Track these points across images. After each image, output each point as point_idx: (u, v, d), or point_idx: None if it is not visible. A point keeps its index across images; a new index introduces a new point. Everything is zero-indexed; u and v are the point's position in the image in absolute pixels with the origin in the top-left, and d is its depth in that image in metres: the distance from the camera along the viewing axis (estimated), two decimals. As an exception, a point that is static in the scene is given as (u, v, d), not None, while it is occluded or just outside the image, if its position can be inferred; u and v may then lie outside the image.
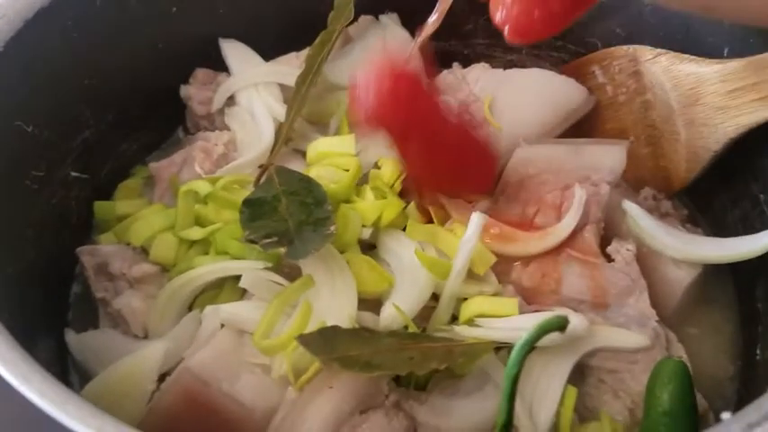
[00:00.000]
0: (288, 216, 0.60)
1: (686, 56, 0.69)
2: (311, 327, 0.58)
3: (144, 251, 0.69)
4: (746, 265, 0.70)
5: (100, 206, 0.75)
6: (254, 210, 0.62)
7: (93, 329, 0.67)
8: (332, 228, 0.59)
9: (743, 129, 0.65)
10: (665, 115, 0.72)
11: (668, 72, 0.70)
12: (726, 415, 0.37)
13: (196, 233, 0.65)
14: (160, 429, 0.53)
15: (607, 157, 0.71)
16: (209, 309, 0.60)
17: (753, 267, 0.69)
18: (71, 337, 0.66)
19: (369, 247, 0.69)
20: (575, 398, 0.61)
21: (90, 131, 0.76)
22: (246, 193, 0.67)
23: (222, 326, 0.60)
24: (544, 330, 0.49)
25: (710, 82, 0.66)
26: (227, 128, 0.79)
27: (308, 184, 0.64)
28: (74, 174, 0.75)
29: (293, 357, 0.56)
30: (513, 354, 0.48)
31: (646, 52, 0.73)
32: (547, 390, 0.60)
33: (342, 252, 0.65)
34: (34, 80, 0.67)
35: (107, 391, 0.57)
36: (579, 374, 0.64)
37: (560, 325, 0.49)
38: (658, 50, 0.72)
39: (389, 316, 0.60)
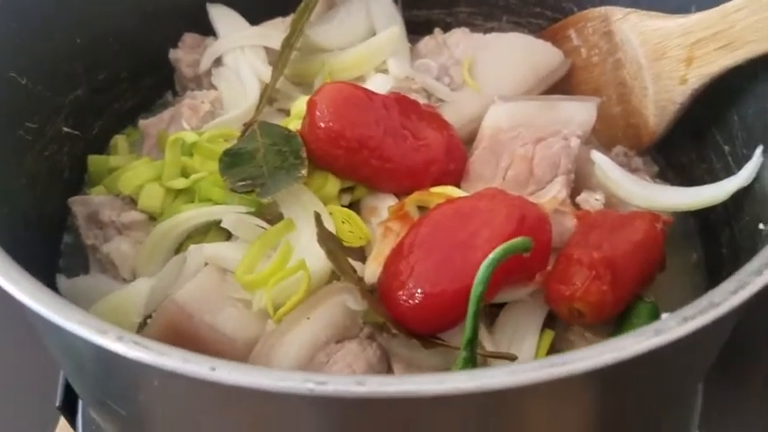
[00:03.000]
0: (264, 163, 0.63)
1: (654, 13, 0.72)
2: (291, 266, 0.61)
3: (132, 201, 0.72)
4: (712, 214, 0.73)
5: (94, 160, 0.78)
6: (233, 159, 0.65)
7: (84, 275, 0.70)
8: (303, 171, 0.62)
9: (705, 79, 0.68)
10: (634, 72, 0.75)
11: (637, 28, 0.73)
12: (665, 315, 0.40)
13: (181, 182, 0.67)
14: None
15: (578, 111, 0.74)
16: (192, 247, 0.63)
17: (718, 215, 0.73)
18: (62, 281, 0.69)
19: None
20: (550, 340, 0.64)
21: (82, 89, 0.80)
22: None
23: (206, 265, 0.63)
24: (508, 250, 0.51)
25: (675, 35, 0.69)
26: (214, 88, 0.82)
27: (288, 136, 0.68)
28: (66, 129, 0.78)
29: (273, 292, 0.59)
30: (480, 272, 0.51)
31: (616, 12, 0.76)
32: (523, 339, 0.63)
33: (324, 205, 0.67)
34: (28, 34, 0.71)
35: (96, 325, 0.60)
36: (550, 317, 0.67)
37: (525, 246, 0.52)
38: (628, 9, 0.75)
39: (371, 274, 0.63)
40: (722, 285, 0.39)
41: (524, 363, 0.37)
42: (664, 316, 0.39)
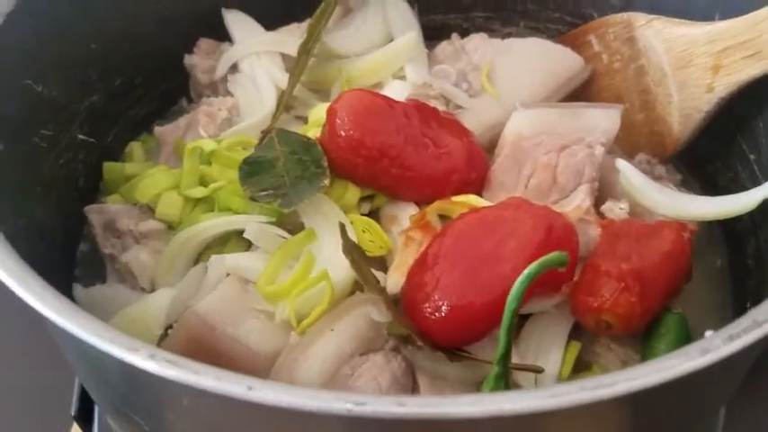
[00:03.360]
0: (285, 173, 0.62)
1: (678, 20, 0.71)
2: (314, 276, 0.60)
3: (150, 210, 0.71)
4: (738, 224, 0.72)
5: (109, 167, 0.77)
6: (252, 167, 0.64)
7: (100, 284, 0.69)
8: (326, 181, 0.61)
9: (732, 87, 0.67)
10: (658, 79, 0.74)
11: (660, 35, 0.72)
12: (709, 333, 0.39)
13: (200, 191, 0.67)
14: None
15: (602, 119, 0.73)
16: (214, 258, 0.62)
17: (744, 225, 0.72)
18: (79, 291, 0.67)
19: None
20: (576, 352, 0.63)
21: (97, 96, 0.79)
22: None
23: (227, 275, 0.62)
24: (544, 265, 0.50)
25: (701, 43, 0.68)
26: (230, 95, 0.81)
27: (307, 144, 0.67)
28: (81, 136, 0.77)
29: (296, 303, 0.58)
30: (515, 287, 0.50)
31: (639, 18, 0.75)
32: (549, 351, 0.62)
33: (344, 214, 0.67)
34: (43, 40, 0.70)
35: (115, 337, 0.59)
36: (576, 328, 0.66)
37: (561, 261, 0.51)
38: (651, 16, 0.74)
39: (393, 284, 0.62)
40: (764, 304, 0.38)
41: (565, 385, 0.36)
42: (707, 334, 0.39)
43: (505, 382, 0.52)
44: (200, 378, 0.36)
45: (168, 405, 0.42)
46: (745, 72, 0.65)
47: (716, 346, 0.36)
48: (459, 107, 0.81)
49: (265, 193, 0.60)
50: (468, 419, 0.36)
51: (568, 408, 0.34)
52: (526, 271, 0.49)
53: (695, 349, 0.36)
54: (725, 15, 0.70)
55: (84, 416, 0.74)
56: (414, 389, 0.59)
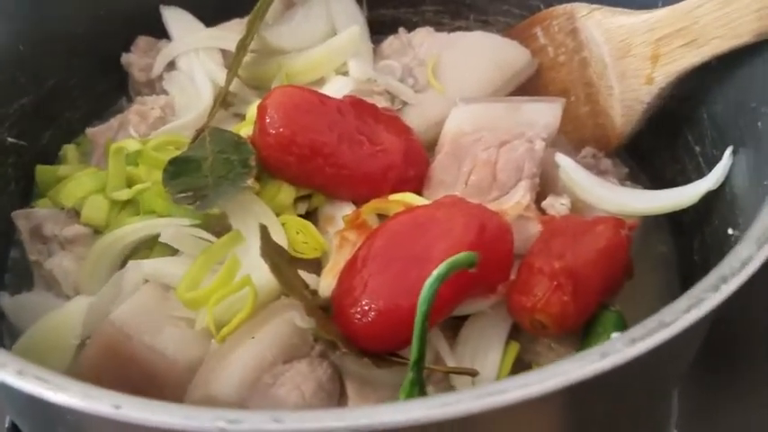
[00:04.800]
0: (209, 173, 0.60)
1: (618, 9, 0.70)
2: (236, 282, 0.58)
3: (77, 214, 0.68)
4: (684, 219, 0.71)
5: (41, 170, 0.75)
6: (178, 168, 0.62)
7: (26, 292, 0.67)
8: (249, 181, 0.59)
9: (672, 77, 0.65)
10: (599, 71, 0.72)
11: (601, 26, 0.70)
12: (615, 334, 0.38)
13: (125, 194, 0.64)
14: (85, 381, 0.53)
15: (542, 113, 0.70)
16: (131, 263, 0.60)
17: (690, 220, 0.70)
18: (5, 299, 0.66)
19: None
20: (516, 353, 0.62)
21: (28, 98, 0.76)
22: (180, 154, 0.67)
23: (146, 281, 0.60)
24: (453, 267, 0.48)
25: (640, 32, 0.66)
26: (166, 93, 0.79)
27: (237, 143, 0.64)
28: (10, 140, 0.74)
29: (216, 311, 0.56)
30: (425, 290, 0.48)
31: (581, 9, 0.73)
32: (487, 352, 0.60)
33: (278, 215, 0.65)
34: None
35: (33, 347, 0.57)
36: (515, 329, 0.64)
37: (470, 261, 0.49)
38: (593, 6, 0.72)
39: (326, 287, 0.60)
40: (674, 304, 0.36)
41: (460, 392, 0.34)
42: (614, 335, 0.37)
43: (421, 387, 0.50)
44: (66, 396, 0.33)
45: (57, 422, 0.40)
46: (683, 61, 0.63)
47: (617, 350, 0.34)
48: (405, 103, 0.80)
49: (185, 194, 0.58)
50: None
51: (460, 417, 0.33)
52: (434, 272, 0.47)
53: (596, 353, 0.35)
54: (668, 2, 0.69)
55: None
56: (342, 394, 0.57)
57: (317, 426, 0.32)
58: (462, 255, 0.48)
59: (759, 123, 0.57)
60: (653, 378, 0.46)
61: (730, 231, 0.57)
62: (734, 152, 0.63)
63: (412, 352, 0.48)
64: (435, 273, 0.47)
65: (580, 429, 0.44)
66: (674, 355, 0.45)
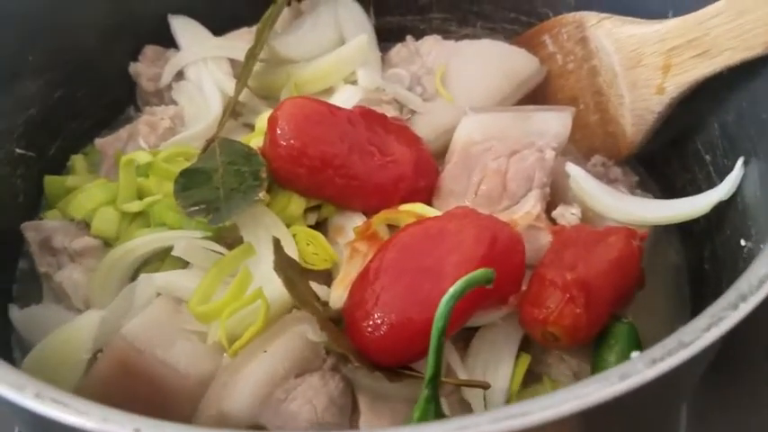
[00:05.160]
0: (220, 185, 0.60)
1: (629, 18, 0.69)
2: (248, 295, 0.58)
3: (87, 226, 0.68)
4: (695, 228, 0.70)
5: (50, 181, 0.74)
6: (188, 180, 0.62)
7: (36, 305, 0.67)
8: (260, 194, 0.59)
9: (683, 87, 0.65)
10: (609, 80, 0.72)
11: (611, 35, 0.70)
12: (635, 354, 0.37)
13: (135, 206, 0.64)
14: (96, 396, 0.53)
15: (552, 123, 0.70)
16: (142, 276, 0.60)
17: (701, 230, 0.70)
18: (14, 312, 0.65)
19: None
20: (527, 364, 0.61)
21: (36, 108, 0.76)
22: (190, 165, 0.67)
23: (158, 295, 0.59)
24: (470, 283, 0.48)
25: (651, 42, 0.66)
26: (174, 103, 0.78)
27: (248, 154, 0.64)
28: (19, 151, 0.74)
29: (228, 324, 0.56)
30: (441, 306, 0.48)
31: (591, 17, 0.73)
32: (498, 365, 0.60)
33: (288, 226, 0.65)
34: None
35: (44, 361, 0.57)
36: (526, 340, 0.64)
37: (487, 278, 0.49)
38: (603, 15, 0.72)
39: (337, 299, 0.60)
40: (693, 322, 0.36)
41: (478, 415, 0.33)
42: (634, 355, 0.37)
43: (436, 404, 0.50)
44: (87, 420, 0.33)
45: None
46: (694, 72, 0.63)
47: (637, 371, 0.34)
48: (414, 111, 0.79)
49: (197, 207, 0.58)
50: None
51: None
52: (451, 290, 0.47)
53: (615, 374, 0.34)
54: (678, 13, 0.68)
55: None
56: (354, 409, 0.57)
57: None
58: (479, 272, 0.48)
59: (771, 134, 0.57)
60: (668, 395, 0.45)
61: (743, 242, 0.57)
62: (745, 163, 0.63)
63: (428, 368, 0.48)
64: (452, 290, 0.47)
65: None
66: (691, 372, 0.45)
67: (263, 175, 0.62)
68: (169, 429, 0.32)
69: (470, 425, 0.32)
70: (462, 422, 0.33)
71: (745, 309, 0.36)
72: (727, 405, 0.75)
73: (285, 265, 0.55)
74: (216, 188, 0.61)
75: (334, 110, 0.67)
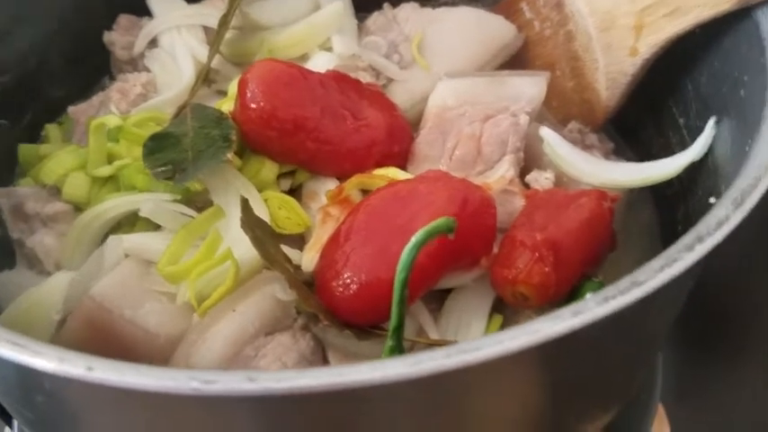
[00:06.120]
0: (189, 148, 0.59)
1: (602, -20, 0.69)
2: (217, 256, 0.58)
3: (58, 191, 0.68)
4: (668, 191, 0.70)
5: (24, 149, 0.74)
6: (157, 143, 0.61)
7: (9, 270, 0.67)
8: (228, 155, 0.58)
9: (655, 48, 0.65)
10: (584, 44, 0.72)
11: (585, -2, 0.70)
12: (589, 295, 0.38)
13: (106, 170, 0.64)
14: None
15: (526, 87, 0.70)
16: (111, 239, 0.59)
17: (674, 192, 0.70)
18: (-13, 277, 0.65)
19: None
20: (499, 325, 0.62)
21: (10, 76, 0.75)
22: (162, 130, 0.66)
23: (127, 256, 0.59)
24: (432, 232, 0.48)
25: (624, 2, 0.65)
26: (148, 70, 0.78)
27: (219, 118, 0.64)
28: (-8, 119, 0.74)
29: (197, 284, 0.56)
30: (403, 256, 0.48)
31: (566, -19, 0.73)
32: (470, 325, 0.60)
33: (260, 191, 0.64)
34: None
35: (15, 322, 0.57)
36: (499, 302, 0.64)
37: (449, 227, 0.49)
38: (577, -22, 0.72)
39: (308, 262, 0.60)
40: (648, 264, 0.36)
41: (433, 350, 0.34)
42: (588, 296, 0.37)
43: (400, 354, 0.50)
44: (44, 360, 0.33)
45: (35, 389, 0.40)
46: (666, 30, 0.62)
47: (589, 308, 0.35)
48: (390, 79, 0.79)
49: (164, 168, 0.58)
50: (346, 390, 0.33)
51: (436, 374, 0.33)
52: (413, 239, 0.47)
53: (568, 311, 0.35)
54: (652, -25, 0.68)
55: (4, 411, 0.72)
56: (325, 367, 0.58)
57: (291, 384, 0.32)
58: (441, 220, 0.48)
59: (742, 91, 0.57)
60: (629, 340, 0.46)
61: (712, 200, 0.57)
62: (717, 122, 0.63)
63: (391, 319, 0.48)
64: (413, 239, 0.47)
65: (555, 390, 0.44)
66: (651, 315, 0.45)
67: (233, 137, 0.61)
68: (123, 368, 0.32)
69: (425, 359, 0.33)
70: (418, 357, 0.33)
71: (702, 250, 0.36)
72: (716, 380, 0.75)
73: (253, 224, 0.55)
74: (185, 150, 0.60)
75: (306, 73, 0.66)
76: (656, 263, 0.36)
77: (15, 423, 0.72)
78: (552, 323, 0.34)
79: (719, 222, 0.38)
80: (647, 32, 0.64)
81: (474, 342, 0.34)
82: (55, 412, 0.42)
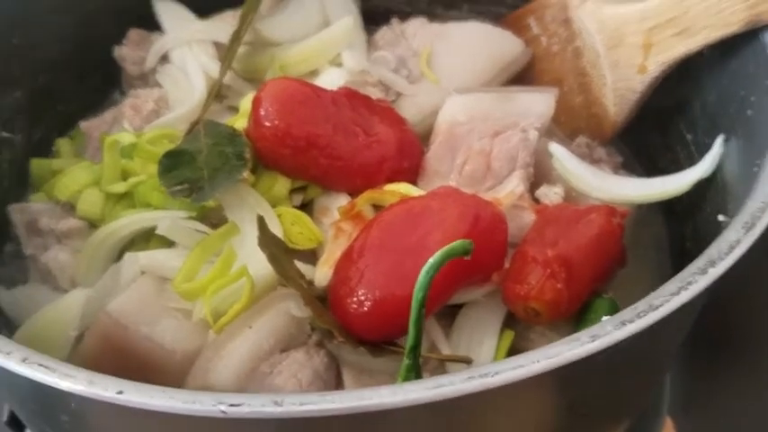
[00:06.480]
0: (204, 165, 0.60)
1: (611, -1, 0.70)
2: (232, 272, 0.58)
3: (72, 208, 0.68)
4: (677, 207, 0.71)
5: (36, 164, 0.75)
6: (172, 161, 0.62)
7: (23, 285, 0.67)
8: (244, 173, 0.59)
9: (664, 66, 0.65)
10: (592, 60, 0.73)
11: (593, 15, 0.71)
12: (606, 318, 0.38)
13: (120, 187, 0.64)
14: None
15: (536, 103, 0.71)
16: (127, 256, 0.60)
17: (683, 208, 0.71)
18: (1, 293, 0.66)
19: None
20: (510, 341, 0.62)
21: (21, 92, 0.76)
22: (175, 147, 0.67)
23: (143, 273, 0.60)
24: (449, 254, 0.49)
25: (632, 21, 0.66)
26: (159, 86, 0.78)
27: (232, 136, 0.65)
28: (5, 134, 0.75)
29: (213, 301, 0.57)
30: (420, 277, 0.48)
31: (574, -1, 0.74)
32: (482, 340, 0.61)
33: (273, 207, 0.65)
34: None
35: (31, 339, 0.57)
36: (510, 318, 0.65)
37: (465, 249, 0.50)
38: (586, -5, 0.73)
39: (322, 278, 0.60)
40: (663, 287, 0.37)
41: (453, 374, 0.34)
42: (604, 318, 0.37)
43: (417, 373, 0.50)
44: (73, 383, 0.34)
45: (60, 409, 0.41)
46: (674, 50, 0.63)
47: (607, 332, 0.35)
48: (399, 94, 0.80)
49: (181, 187, 0.58)
50: (366, 413, 0.34)
51: (450, 399, 0.33)
52: (430, 260, 0.48)
53: (586, 335, 0.35)
54: (660, -7, 0.69)
55: (16, 423, 0.72)
56: (339, 384, 0.58)
57: (315, 408, 0.32)
58: (458, 243, 0.49)
59: (749, 111, 0.58)
60: (643, 361, 0.46)
61: (721, 218, 0.58)
62: (725, 140, 0.64)
63: (408, 338, 0.49)
64: (431, 260, 0.47)
65: (570, 411, 0.45)
66: (664, 337, 0.46)
67: (247, 155, 0.62)
68: (151, 392, 0.33)
69: (446, 383, 0.33)
70: (438, 381, 0.34)
71: (714, 273, 0.37)
72: (722, 392, 0.76)
73: (269, 242, 0.56)
74: (200, 168, 0.61)
75: (318, 90, 0.67)
76: (670, 286, 0.37)
77: (27, 434, 0.73)
78: (570, 346, 0.35)
79: (731, 246, 0.39)
80: (655, 51, 0.65)
81: (493, 366, 0.34)
82: (78, 431, 0.43)
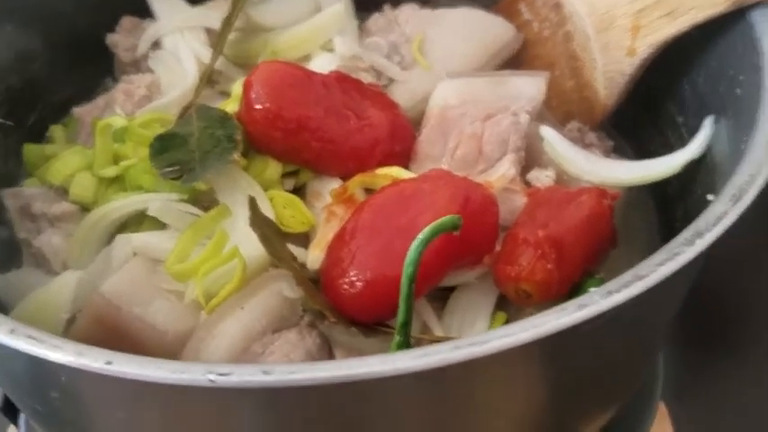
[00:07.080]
0: (196, 148, 0.60)
1: (600, -19, 0.71)
2: (224, 254, 0.59)
3: (65, 192, 0.68)
4: (668, 189, 0.72)
5: (29, 149, 0.74)
6: (163, 144, 0.62)
7: (16, 270, 0.67)
8: (234, 155, 0.59)
9: (652, 48, 0.66)
10: (583, 44, 0.73)
11: (584, -1, 0.71)
12: (593, 289, 0.39)
13: (112, 170, 0.65)
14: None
15: (527, 86, 0.71)
16: (119, 237, 0.60)
17: (674, 190, 0.71)
18: (-6, 276, 0.66)
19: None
20: (503, 323, 0.62)
21: (15, 78, 0.76)
22: (167, 131, 0.67)
23: (135, 255, 0.60)
24: (438, 229, 0.49)
25: (621, 4, 0.67)
26: (152, 72, 0.79)
27: (223, 119, 0.65)
28: (-1, 120, 0.75)
29: (205, 282, 0.57)
30: (410, 252, 0.49)
31: (564, -18, 0.74)
32: (474, 323, 0.61)
33: (265, 190, 0.65)
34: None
35: (23, 320, 0.56)
36: (502, 300, 0.65)
37: (454, 224, 0.50)
38: (576, -21, 0.73)
39: (314, 260, 0.61)
40: (650, 258, 0.37)
41: (441, 344, 0.35)
42: (592, 289, 0.38)
43: (408, 349, 0.51)
44: (62, 354, 0.34)
45: (50, 384, 0.41)
46: (662, 31, 0.64)
47: (593, 301, 0.36)
48: (392, 80, 0.80)
49: (171, 169, 0.59)
50: (356, 382, 0.34)
51: (443, 366, 0.34)
52: (420, 236, 0.48)
53: (573, 305, 0.36)
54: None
55: (11, 409, 0.72)
56: (331, 364, 0.58)
57: (304, 376, 0.33)
58: (446, 218, 0.49)
59: (738, 90, 0.58)
60: (631, 333, 0.47)
61: (710, 197, 0.58)
62: (715, 121, 0.64)
63: (398, 315, 0.49)
64: (420, 236, 0.48)
65: (560, 382, 0.45)
66: (652, 309, 0.46)
67: (238, 137, 0.62)
68: (140, 362, 0.33)
69: (433, 352, 0.34)
70: (426, 350, 0.34)
71: (701, 245, 0.37)
72: (718, 379, 0.76)
73: (261, 223, 0.56)
74: (191, 151, 0.61)
75: (310, 73, 0.67)
76: (657, 257, 0.38)
77: (21, 421, 0.73)
78: (558, 316, 0.35)
79: (718, 218, 0.39)
80: (644, 33, 0.65)
81: (481, 336, 0.35)
82: (68, 407, 0.43)
